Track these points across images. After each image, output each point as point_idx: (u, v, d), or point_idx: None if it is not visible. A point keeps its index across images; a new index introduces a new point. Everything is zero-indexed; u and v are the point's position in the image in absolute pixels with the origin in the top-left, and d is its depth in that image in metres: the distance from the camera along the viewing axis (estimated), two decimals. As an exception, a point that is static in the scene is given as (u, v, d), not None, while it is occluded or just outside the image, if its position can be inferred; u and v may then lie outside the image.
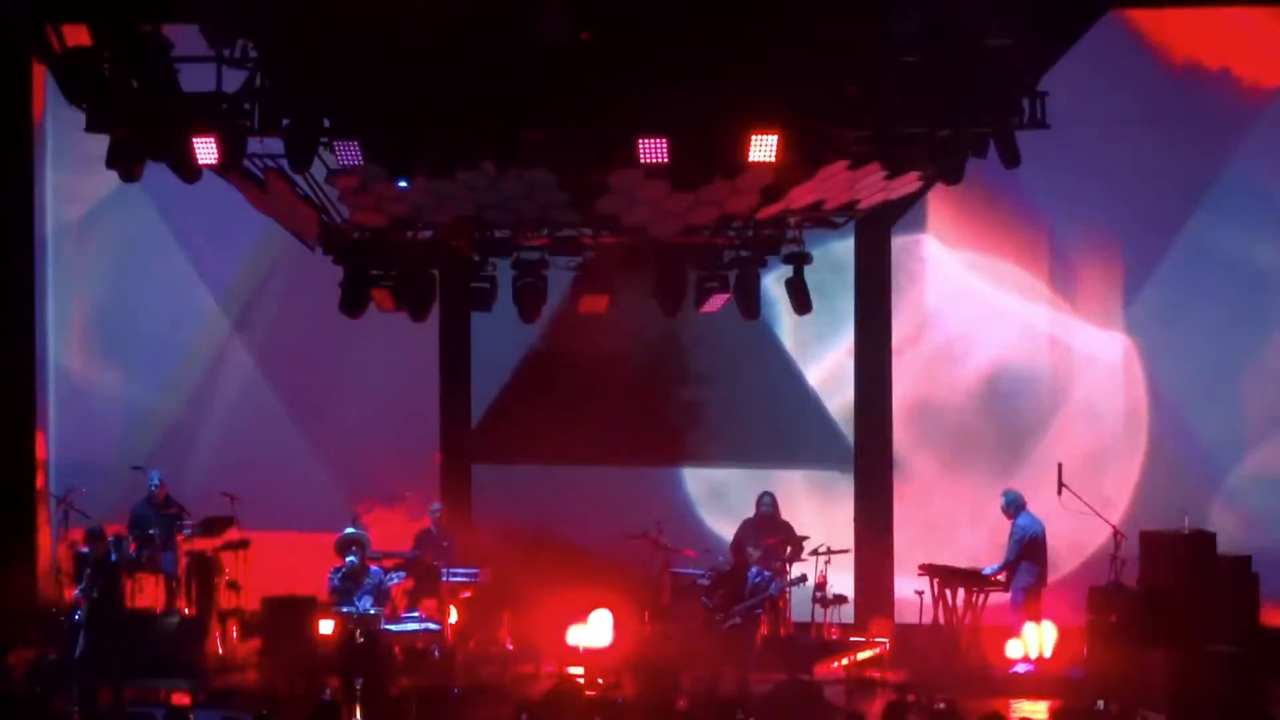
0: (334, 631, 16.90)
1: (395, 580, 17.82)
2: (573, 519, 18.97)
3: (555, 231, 17.06)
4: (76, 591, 17.11)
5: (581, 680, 16.57)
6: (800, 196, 15.83)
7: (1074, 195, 18.49)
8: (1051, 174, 17.83)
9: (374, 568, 17.48)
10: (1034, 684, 16.56)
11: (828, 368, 19.30)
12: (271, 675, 16.74)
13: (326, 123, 14.98)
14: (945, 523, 18.65)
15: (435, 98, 14.66)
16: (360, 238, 17.23)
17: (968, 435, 18.82)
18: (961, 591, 17.37)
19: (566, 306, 18.48)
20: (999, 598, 17.41)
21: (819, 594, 17.95)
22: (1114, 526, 17.15)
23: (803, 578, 17.77)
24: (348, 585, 17.26)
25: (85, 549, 17.41)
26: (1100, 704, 14.69)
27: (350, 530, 17.53)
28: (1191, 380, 18.44)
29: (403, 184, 15.60)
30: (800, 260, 17.26)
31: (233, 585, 18.54)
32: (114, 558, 17.17)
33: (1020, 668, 17.03)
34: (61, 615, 17.08)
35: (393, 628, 17.14)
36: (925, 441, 18.94)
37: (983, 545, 18.10)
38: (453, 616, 17.77)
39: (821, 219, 16.86)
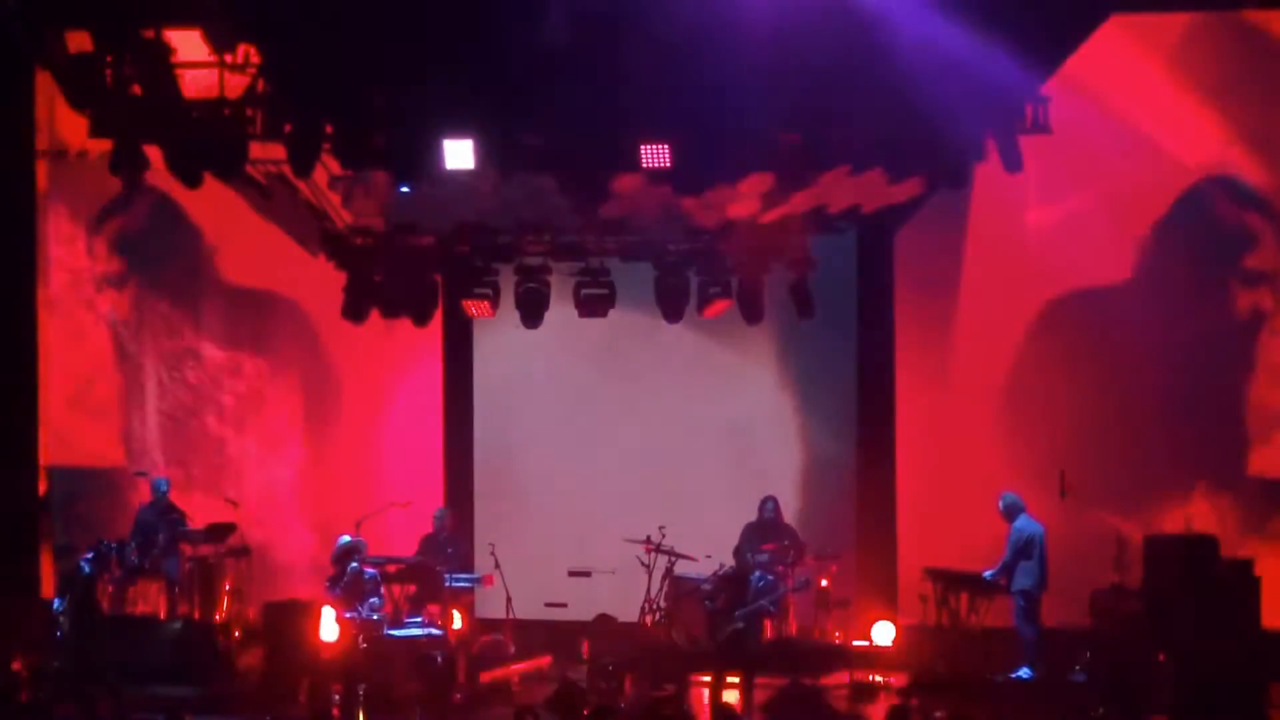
0: (337, 637, 16.87)
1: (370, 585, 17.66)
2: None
3: (557, 237, 17.07)
4: (55, 607, 17.19)
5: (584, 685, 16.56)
6: (803, 201, 15.84)
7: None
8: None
9: (368, 570, 17.36)
10: (1035, 689, 16.54)
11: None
12: (274, 681, 16.71)
13: (329, 129, 15.01)
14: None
15: (437, 101, 14.70)
16: (362, 244, 17.26)
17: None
18: (964, 596, 17.35)
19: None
20: (1003, 602, 17.37)
21: (822, 598, 17.94)
22: (1116, 530, 17.13)
23: (806, 582, 17.76)
24: (350, 591, 17.24)
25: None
26: (1102, 709, 14.69)
27: (345, 539, 17.46)
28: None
29: (404, 189, 15.61)
30: (804, 266, 17.25)
31: (236, 591, 18.54)
32: (86, 569, 17.26)
33: (1022, 673, 17.00)
34: (57, 630, 17.18)
35: (396, 633, 17.13)
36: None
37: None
38: (456, 621, 17.75)
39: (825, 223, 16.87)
